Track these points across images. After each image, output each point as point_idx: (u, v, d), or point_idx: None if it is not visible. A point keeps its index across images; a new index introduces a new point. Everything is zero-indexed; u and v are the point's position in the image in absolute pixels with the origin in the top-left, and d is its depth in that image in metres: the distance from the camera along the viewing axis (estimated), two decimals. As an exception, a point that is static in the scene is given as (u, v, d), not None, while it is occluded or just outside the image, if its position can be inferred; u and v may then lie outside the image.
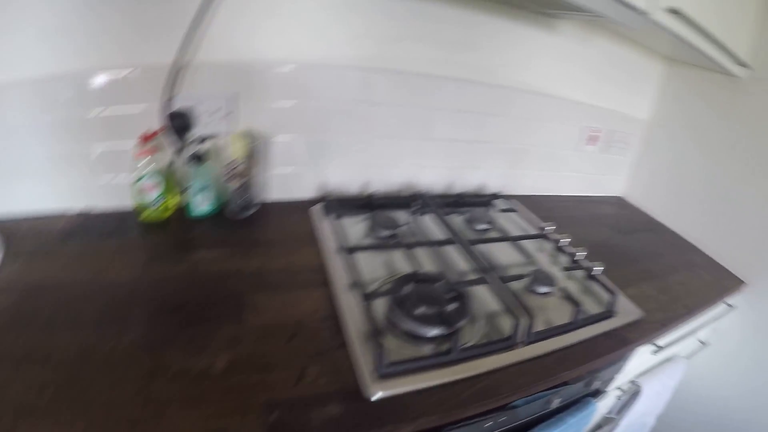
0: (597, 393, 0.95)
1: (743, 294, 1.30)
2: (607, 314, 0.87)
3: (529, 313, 0.75)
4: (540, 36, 1.25)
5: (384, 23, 1.03)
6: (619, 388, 1.08)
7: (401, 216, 1.09)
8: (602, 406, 1.06)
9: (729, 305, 1.29)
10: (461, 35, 1.13)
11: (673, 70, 1.57)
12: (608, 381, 0.97)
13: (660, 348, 1.01)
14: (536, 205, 1.43)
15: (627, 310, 0.92)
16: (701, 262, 1.35)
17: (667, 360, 1.22)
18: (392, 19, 1.04)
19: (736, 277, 1.32)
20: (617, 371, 0.97)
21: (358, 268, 0.81)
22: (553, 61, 1.34)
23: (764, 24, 1.28)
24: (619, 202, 1.75)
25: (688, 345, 1.28)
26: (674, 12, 0.96)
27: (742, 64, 1.31)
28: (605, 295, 0.92)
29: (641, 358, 1.04)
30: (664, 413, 1.41)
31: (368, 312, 0.71)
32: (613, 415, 1.14)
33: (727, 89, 1.39)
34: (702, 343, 1.33)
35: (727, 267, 1.35)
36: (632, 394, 1.09)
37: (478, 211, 1.21)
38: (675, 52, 1.42)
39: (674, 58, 1.54)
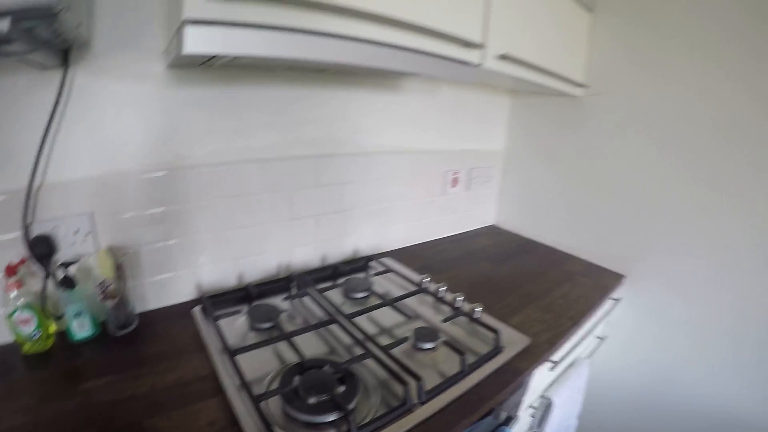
0: (509, 420, 1.01)
1: (625, 285, 1.43)
2: (494, 352, 0.93)
3: (415, 375, 0.79)
4: (387, 98, 1.34)
5: (230, 116, 1.06)
6: (531, 407, 1.14)
7: (280, 303, 1.10)
8: (520, 426, 1.12)
9: (615, 299, 1.42)
10: (312, 114, 1.19)
11: (518, 101, 1.75)
12: (516, 406, 1.03)
13: (556, 363, 1.08)
14: (412, 256, 1.50)
15: (514, 341, 0.99)
16: (579, 269, 1.48)
17: (570, 365, 1.31)
18: (238, 111, 1.06)
19: (615, 272, 1.46)
20: (522, 395, 1.03)
21: (245, 369, 0.81)
22: (403, 118, 1.43)
23: (593, 46, 1.45)
24: (492, 231, 1.89)
25: (589, 344, 1.38)
26: (505, 57, 1.07)
27: (580, 85, 1.47)
28: (490, 334, 0.98)
29: (543, 374, 1.11)
30: (584, 410, 1.51)
31: (262, 414, 0.71)
32: (534, 430, 1.21)
33: (569, 108, 1.57)
34: (600, 338, 1.45)
35: (604, 266, 1.50)
36: (545, 407, 1.17)
37: (356, 279, 1.24)
38: (517, 86, 1.57)
39: (518, 91, 1.71)
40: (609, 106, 1.46)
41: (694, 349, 1.35)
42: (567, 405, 1.28)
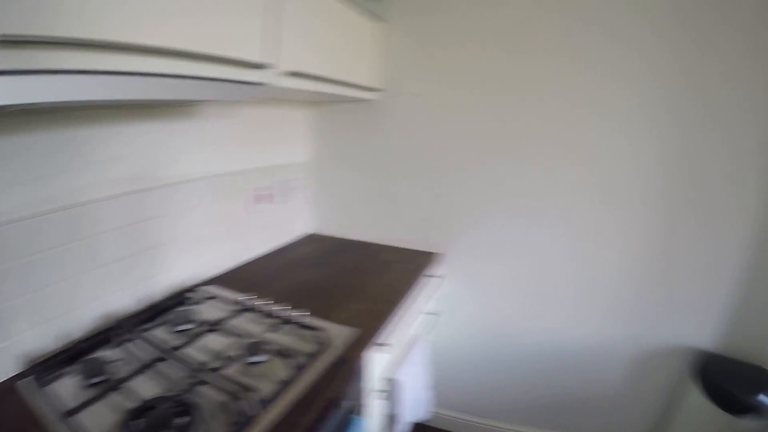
0: (357, 408, 1.10)
1: (446, 263, 1.64)
2: (322, 349, 1.01)
3: (248, 388, 0.84)
4: (185, 126, 1.32)
5: (29, 165, 0.95)
6: (379, 391, 1.25)
7: (109, 354, 1.03)
8: (375, 411, 1.23)
9: (439, 277, 1.62)
10: (111, 152, 1.12)
11: (320, 112, 1.89)
12: (360, 394, 1.12)
13: (388, 345, 1.21)
14: (236, 277, 1.49)
15: (342, 335, 1.08)
16: (396, 257, 1.66)
17: (410, 344, 1.46)
18: (37, 159, 0.95)
19: (431, 252, 1.66)
20: (362, 383, 1.12)
21: (87, 428, 0.77)
22: (205, 144, 1.41)
23: (388, 54, 1.66)
24: (311, 239, 1.98)
25: (424, 321, 1.56)
26: (296, 74, 1.15)
27: (376, 90, 1.65)
28: (317, 334, 1.06)
29: (381, 358, 1.23)
30: (437, 379, 1.69)
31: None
32: (391, 411, 1.32)
33: (368, 112, 1.76)
34: (434, 314, 1.64)
35: (421, 249, 1.70)
36: (392, 388, 1.28)
37: (180, 312, 1.19)
38: (315, 98, 1.71)
39: (318, 102, 1.85)
40: (406, 105, 1.68)
41: (510, 303, 1.63)
42: (414, 381, 1.42)
